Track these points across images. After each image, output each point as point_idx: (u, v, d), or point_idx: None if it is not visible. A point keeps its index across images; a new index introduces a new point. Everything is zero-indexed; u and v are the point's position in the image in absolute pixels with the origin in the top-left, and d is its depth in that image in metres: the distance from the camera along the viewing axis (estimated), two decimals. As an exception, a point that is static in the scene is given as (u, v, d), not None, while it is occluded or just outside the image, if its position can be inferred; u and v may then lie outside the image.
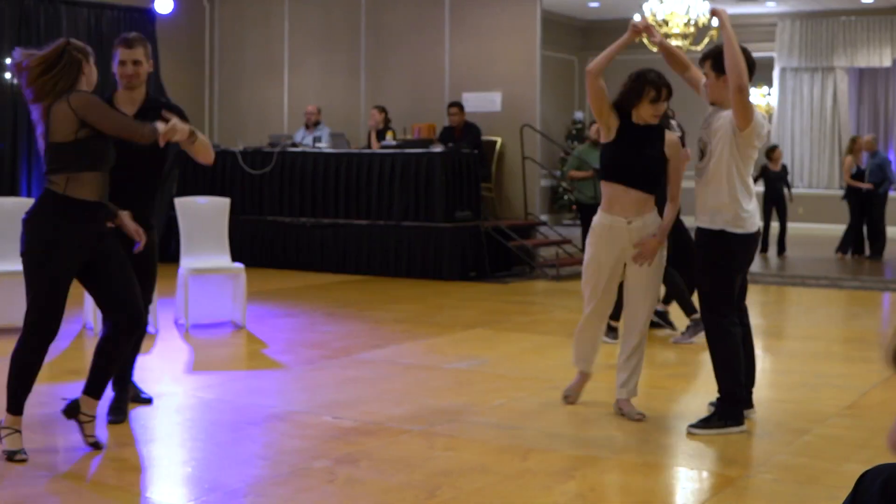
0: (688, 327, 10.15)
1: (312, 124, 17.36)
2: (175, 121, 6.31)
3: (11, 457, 6.05)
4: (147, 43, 7.05)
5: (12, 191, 14.88)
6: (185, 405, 7.73)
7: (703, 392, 8.06)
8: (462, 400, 7.75)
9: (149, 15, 17.17)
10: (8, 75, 15.51)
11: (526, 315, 12.02)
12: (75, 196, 6.01)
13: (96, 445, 6.28)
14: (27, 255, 6.06)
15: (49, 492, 5.66)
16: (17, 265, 10.40)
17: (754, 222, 6.90)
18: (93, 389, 6.28)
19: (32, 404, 7.32)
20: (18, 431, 6.12)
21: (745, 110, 6.62)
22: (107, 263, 6.20)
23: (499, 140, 16.92)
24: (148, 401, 7.45)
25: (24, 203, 10.63)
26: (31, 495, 5.58)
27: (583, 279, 7.35)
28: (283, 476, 5.94)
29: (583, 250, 15.59)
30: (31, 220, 6.07)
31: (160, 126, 6.24)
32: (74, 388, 7.47)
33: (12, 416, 6.13)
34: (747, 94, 6.61)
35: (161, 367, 8.96)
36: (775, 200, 18.84)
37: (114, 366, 6.32)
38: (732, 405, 6.93)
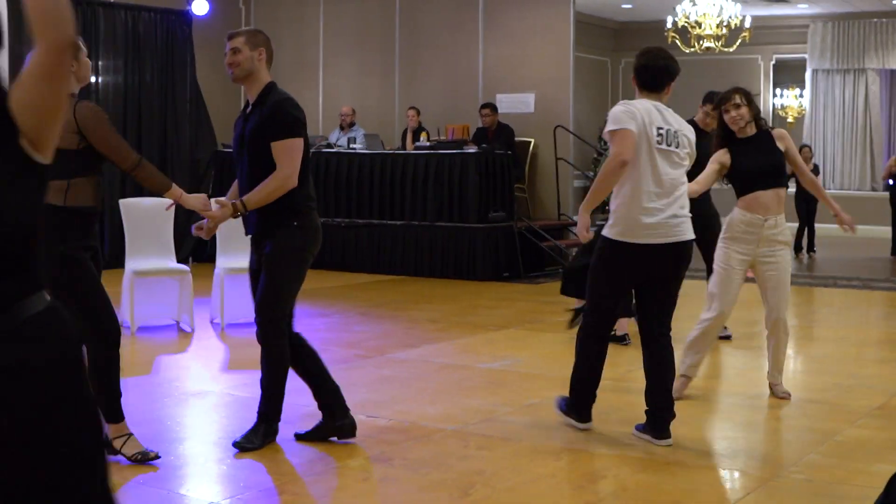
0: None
1: (347, 125, 17.43)
2: (207, 216, 6.31)
3: (145, 457, 6.10)
4: (255, 33, 6.60)
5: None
6: (220, 403, 7.80)
7: (733, 392, 8.09)
8: (496, 399, 7.79)
9: (185, 17, 17.26)
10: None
11: (559, 315, 12.03)
12: (76, 205, 5.86)
13: (145, 456, 6.16)
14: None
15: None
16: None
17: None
18: (110, 414, 6.10)
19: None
20: (130, 434, 6.13)
21: None
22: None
23: (532, 141, 16.95)
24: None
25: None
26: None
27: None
28: (317, 474, 6.00)
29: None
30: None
31: (186, 199, 6.21)
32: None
33: (114, 425, 6.09)
34: None
35: (197, 365, 9.04)
36: (806, 201, 18.79)
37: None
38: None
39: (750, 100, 7.55)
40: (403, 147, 16.78)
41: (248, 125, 6.50)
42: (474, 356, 9.49)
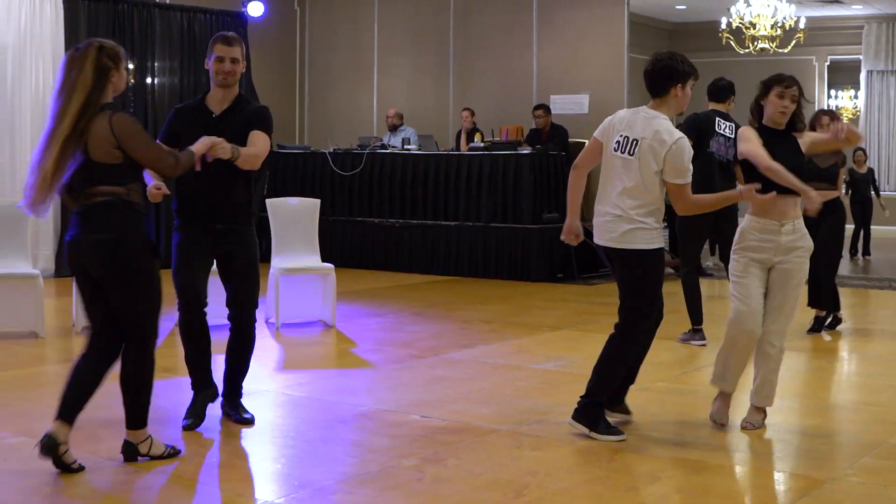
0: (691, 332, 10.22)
1: (393, 128, 17.48)
2: (215, 139, 6.35)
3: (174, 453, 6.18)
4: (243, 43, 7.05)
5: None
6: (275, 403, 7.85)
7: (786, 395, 8.06)
8: (549, 400, 7.80)
9: (241, 18, 17.37)
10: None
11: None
12: (135, 200, 5.97)
13: (174, 452, 6.23)
14: (138, 267, 5.94)
15: (141, 488, 5.79)
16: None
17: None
18: (133, 421, 6.14)
19: (120, 402, 7.51)
20: (149, 436, 6.16)
21: None
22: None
23: (586, 142, 16.85)
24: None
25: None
26: (119, 489, 5.72)
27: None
28: (371, 474, 6.03)
29: (670, 252, 15.65)
30: (126, 238, 5.89)
31: (198, 147, 6.29)
32: (166, 385, 7.65)
33: (141, 430, 6.14)
34: None
35: (252, 365, 9.08)
36: (861, 203, 18.67)
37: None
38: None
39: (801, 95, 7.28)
40: (457, 148, 16.80)
41: (229, 126, 6.79)
42: (528, 357, 9.50)
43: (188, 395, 7.11)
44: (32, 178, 5.81)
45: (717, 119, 10.11)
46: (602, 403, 6.81)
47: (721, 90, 10.37)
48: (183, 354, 7.14)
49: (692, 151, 6.71)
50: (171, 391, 7.65)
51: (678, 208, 6.85)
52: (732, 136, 9.85)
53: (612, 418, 6.91)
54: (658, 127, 6.70)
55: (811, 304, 11.05)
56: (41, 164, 5.78)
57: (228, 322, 7.09)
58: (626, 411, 7.14)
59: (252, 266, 7.05)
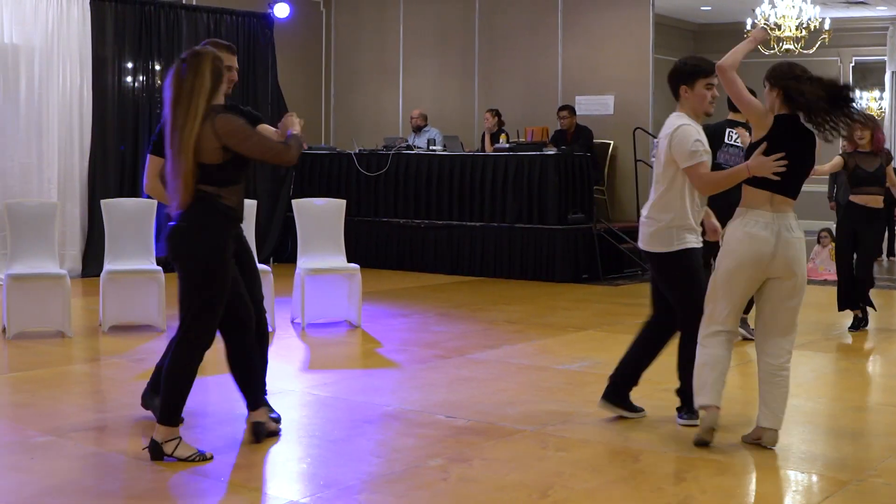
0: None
1: (417, 129, 17.51)
2: (292, 114, 6.48)
3: (203, 458, 6.18)
4: None
5: (134, 192, 15.18)
6: (300, 403, 7.87)
7: (812, 396, 8.04)
8: (574, 401, 7.80)
9: (267, 20, 17.41)
10: (129, 79, 15.80)
11: (637, 317, 11.93)
12: (228, 203, 6.15)
13: (203, 458, 6.21)
14: (200, 261, 6.11)
15: (169, 487, 5.81)
16: (143, 264, 10.70)
17: None
18: (161, 416, 6.24)
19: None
20: (180, 438, 6.20)
21: None
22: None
23: (611, 143, 16.92)
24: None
25: (145, 204, 10.87)
26: (153, 490, 5.75)
27: None
28: (396, 474, 6.04)
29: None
30: (193, 228, 6.10)
31: (294, 126, 6.38)
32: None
33: (169, 428, 6.19)
34: None
35: (277, 365, 9.09)
36: (887, 205, 18.57)
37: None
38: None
39: None
40: (482, 149, 16.81)
41: None
42: (553, 357, 9.51)
43: (214, 395, 7.14)
44: (175, 183, 6.03)
45: (728, 129, 10.00)
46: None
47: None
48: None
49: (698, 136, 6.73)
50: (196, 391, 7.67)
51: (700, 192, 6.83)
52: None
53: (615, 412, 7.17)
54: (666, 123, 6.87)
55: (842, 307, 11.05)
56: (179, 170, 5.99)
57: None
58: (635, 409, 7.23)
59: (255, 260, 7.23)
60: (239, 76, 7.23)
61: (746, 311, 9.79)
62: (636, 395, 7.31)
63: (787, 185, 6.40)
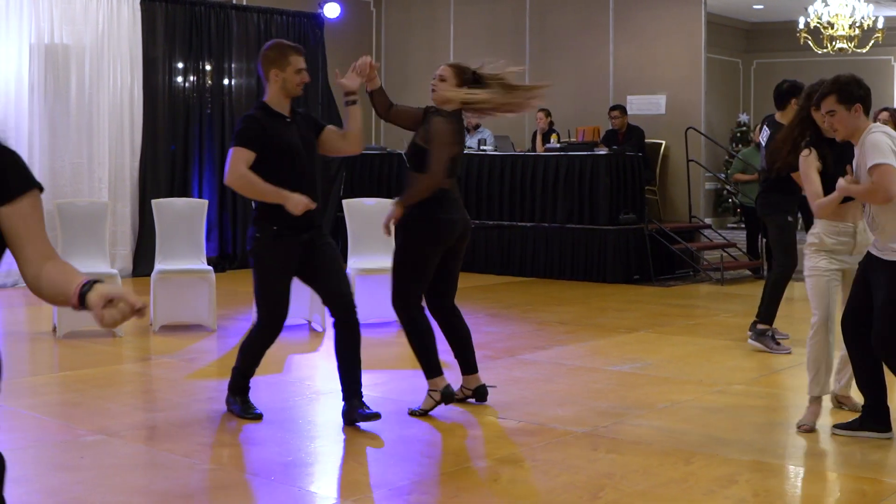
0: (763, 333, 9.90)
1: (473, 128, 17.46)
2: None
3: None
4: None
5: (184, 192, 15.24)
6: (351, 403, 7.85)
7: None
8: (625, 402, 7.75)
9: (317, 20, 17.43)
10: (180, 79, 15.86)
11: (689, 318, 11.96)
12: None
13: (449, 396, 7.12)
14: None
15: (214, 485, 5.82)
16: (193, 264, 10.74)
17: None
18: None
19: (200, 399, 7.56)
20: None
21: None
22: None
23: (663, 143, 16.82)
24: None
25: (196, 204, 10.90)
26: (196, 488, 5.76)
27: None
28: (446, 475, 6.02)
29: (747, 254, 15.50)
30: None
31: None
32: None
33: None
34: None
35: (327, 364, 9.10)
36: None
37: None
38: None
39: None
40: (533, 149, 16.77)
41: (301, 130, 7.14)
42: (604, 358, 9.46)
43: (264, 394, 7.12)
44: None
45: (765, 127, 9.86)
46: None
47: (776, 97, 9.86)
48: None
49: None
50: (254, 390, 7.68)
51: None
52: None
53: None
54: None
55: None
56: None
57: (334, 319, 7.13)
58: None
59: (339, 258, 7.39)
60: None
61: (770, 321, 9.68)
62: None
63: None
